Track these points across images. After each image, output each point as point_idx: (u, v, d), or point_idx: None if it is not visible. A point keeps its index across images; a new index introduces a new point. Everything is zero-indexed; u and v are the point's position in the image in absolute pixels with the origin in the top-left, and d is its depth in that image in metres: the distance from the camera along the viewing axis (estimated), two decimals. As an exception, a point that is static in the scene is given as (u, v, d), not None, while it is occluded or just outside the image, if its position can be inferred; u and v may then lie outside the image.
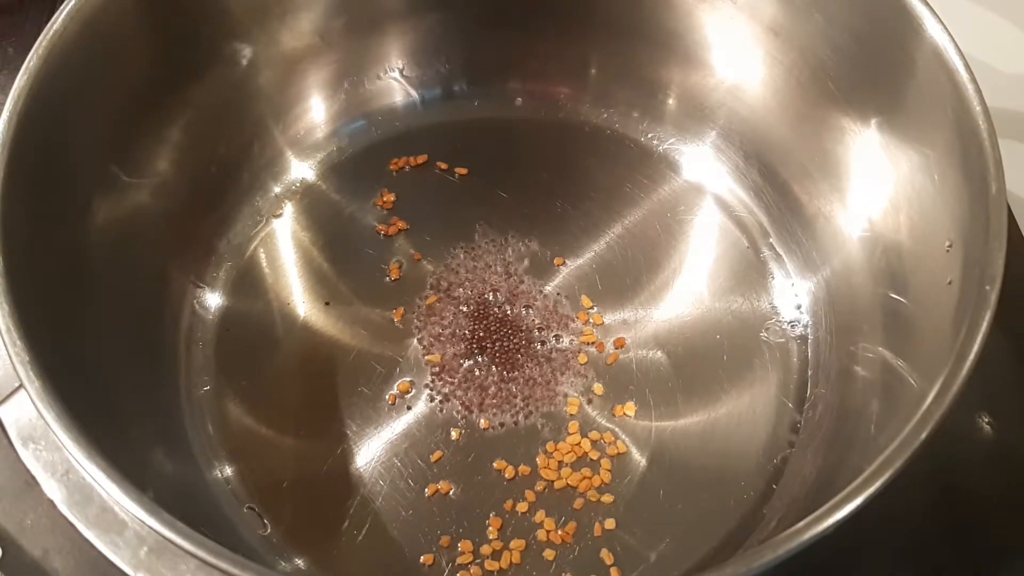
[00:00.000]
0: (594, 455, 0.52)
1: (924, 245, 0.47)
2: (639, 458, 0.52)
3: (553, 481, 0.51)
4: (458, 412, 0.53)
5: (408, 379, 0.54)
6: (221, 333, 0.55)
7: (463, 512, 0.50)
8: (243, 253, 0.58)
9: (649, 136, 0.62)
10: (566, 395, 0.53)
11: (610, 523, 0.49)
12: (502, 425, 0.53)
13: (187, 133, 0.54)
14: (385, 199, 0.60)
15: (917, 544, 0.49)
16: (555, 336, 0.55)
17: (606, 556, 0.48)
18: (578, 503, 0.50)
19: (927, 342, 0.44)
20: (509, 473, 0.51)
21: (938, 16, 0.46)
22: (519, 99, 0.63)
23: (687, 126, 0.61)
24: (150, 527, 0.36)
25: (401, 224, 0.59)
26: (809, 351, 0.55)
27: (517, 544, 0.49)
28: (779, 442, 0.52)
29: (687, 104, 0.61)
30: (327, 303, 0.56)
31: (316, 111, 0.61)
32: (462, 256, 0.58)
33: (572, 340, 0.55)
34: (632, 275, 0.57)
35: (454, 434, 0.52)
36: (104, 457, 0.37)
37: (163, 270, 0.54)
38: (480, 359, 0.54)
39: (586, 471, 0.51)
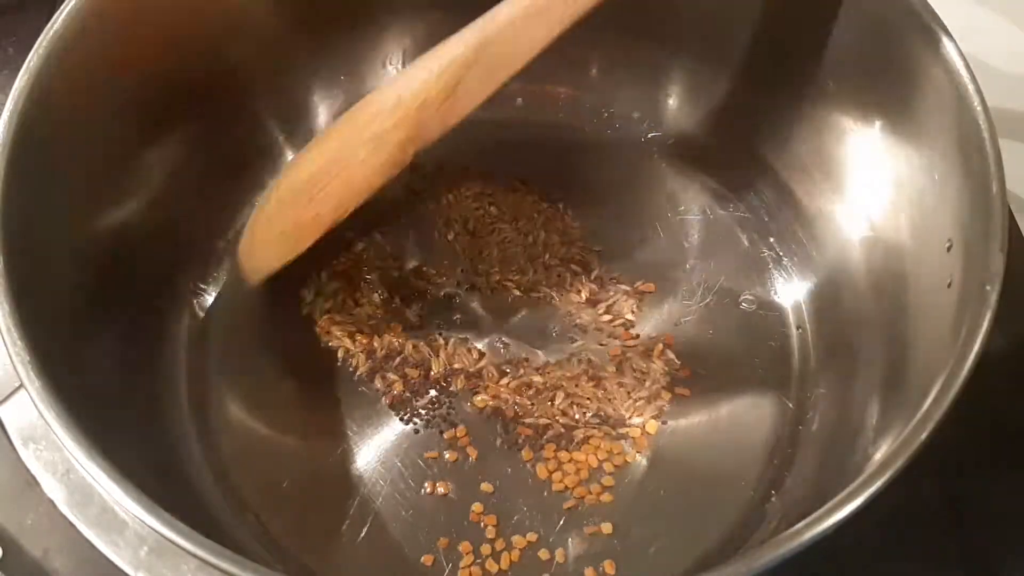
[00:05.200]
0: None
1: (924, 245, 0.47)
2: (639, 458, 0.52)
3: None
4: (459, 412, 0.53)
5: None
6: (221, 333, 0.55)
7: (463, 512, 0.50)
8: (243, 253, 0.58)
9: (649, 136, 0.62)
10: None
11: (607, 526, 0.49)
12: (501, 427, 0.52)
13: (187, 133, 0.54)
14: None
15: (917, 544, 0.49)
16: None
17: (608, 562, 0.48)
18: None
19: (927, 342, 0.44)
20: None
21: (938, 16, 0.46)
22: (519, 99, 0.63)
23: (687, 126, 0.61)
24: (150, 527, 0.36)
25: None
26: (809, 351, 0.54)
27: (518, 542, 0.49)
28: (779, 442, 0.52)
29: (687, 104, 0.61)
30: (327, 303, 0.56)
31: (316, 110, 0.61)
32: (462, 256, 0.58)
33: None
34: (632, 275, 0.57)
35: (455, 434, 0.52)
36: (104, 457, 0.37)
37: (163, 270, 0.54)
38: (481, 359, 0.54)
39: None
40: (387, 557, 0.49)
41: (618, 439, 0.52)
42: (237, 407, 0.53)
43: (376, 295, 0.56)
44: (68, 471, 0.48)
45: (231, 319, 0.56)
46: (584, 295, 0.56)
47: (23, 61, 0.44)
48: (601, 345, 0.54)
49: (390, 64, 0.62)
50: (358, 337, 0.54)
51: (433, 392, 0.53)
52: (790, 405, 0.53)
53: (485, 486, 0.50)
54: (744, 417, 0.53)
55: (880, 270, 0.51)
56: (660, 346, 0.54)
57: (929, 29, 0.45)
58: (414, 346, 0.54)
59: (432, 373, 0.53)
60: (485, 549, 0.49)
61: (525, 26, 0.46)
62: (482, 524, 0.49)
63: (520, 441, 0.51)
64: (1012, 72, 0.62)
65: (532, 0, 0.46)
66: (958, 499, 0.50)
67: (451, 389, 0.53)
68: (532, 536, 0.49)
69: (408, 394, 0.53)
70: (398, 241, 0.58)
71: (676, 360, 0.54)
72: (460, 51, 0.46)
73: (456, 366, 0.53)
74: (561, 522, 0.50)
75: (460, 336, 0.55)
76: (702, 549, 0.49)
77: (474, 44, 0.46)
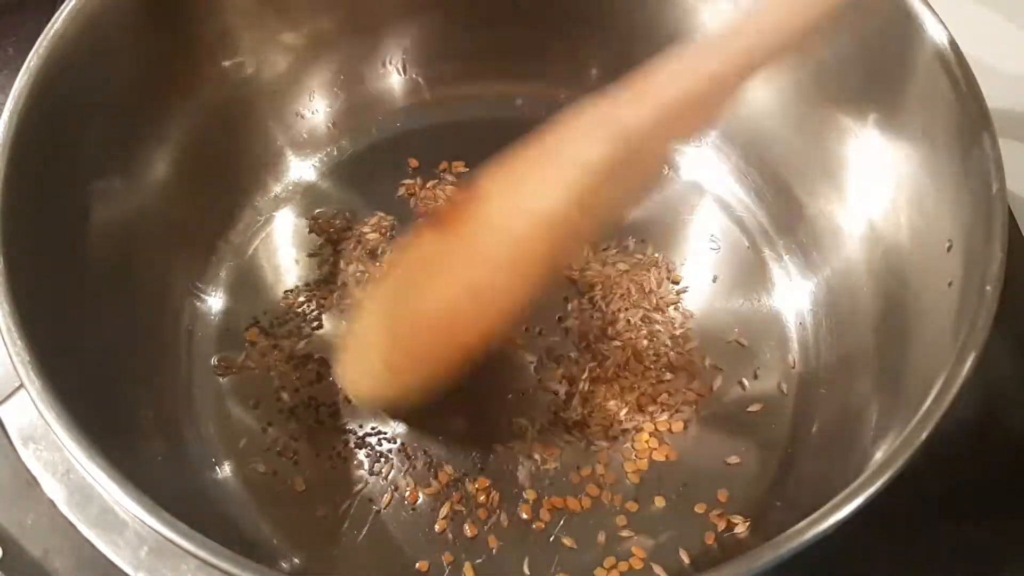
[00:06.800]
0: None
1: (924, 245, 0.47)
2: (637, 459, 0.52)
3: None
4: (459, 411, 0.53)
5: (408, 379, 0.54)
6: (221, 333, 0.55)
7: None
8: (243, 253, 0.58)
9: (649, 136, 0.62)
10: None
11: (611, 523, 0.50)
12: (502, 428, 0.53)
13: (187, 133, 0.54)
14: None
15: (917, 543, 0.49)
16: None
17: (608, 561, 0.48)
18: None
19: (927, 342, 0.44)
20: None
21: (938, 16, 0.46)
22: (519, 99, 0.63)
23: (687, 126, 0.61)
24: (150, 527, 0.36)
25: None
26: (809, 351, 0.54)
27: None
28: (779, 443, 0.52)
29: (687, 104, 0.61)
30: (327, 303, 0.56)
31: (316, 111, 0.61)
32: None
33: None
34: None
35: (456, 434, 0.52)
36: (104, 457, 0.37)
37: (163, 270, 0.54)
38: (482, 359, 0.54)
39: (586, 471, 0.51)
40: (387, 557, 0.49)
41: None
42: (237, 407, 0.53)
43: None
44: (68, 471, 0.48)
45: (232, 318, 0.56)
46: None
47: (23, 61, 0.44)
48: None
49: (390, 68, 0.62)
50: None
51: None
52: (790, 405, 0.53)
53: (481, 481, 0.51)
54: (744, 417, 0.53)
55: (880, 270, 0.51)
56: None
57: (929, 29, 0.45)
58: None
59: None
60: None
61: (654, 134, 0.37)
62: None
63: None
64: (1012, 72, 0.62)
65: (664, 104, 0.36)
66: (957, 499, 0.51)
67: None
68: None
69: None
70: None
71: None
72: (602, 152, 0.37)
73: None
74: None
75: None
76: (702, 548, 0.49)
77: (622, 138, 0.37)
